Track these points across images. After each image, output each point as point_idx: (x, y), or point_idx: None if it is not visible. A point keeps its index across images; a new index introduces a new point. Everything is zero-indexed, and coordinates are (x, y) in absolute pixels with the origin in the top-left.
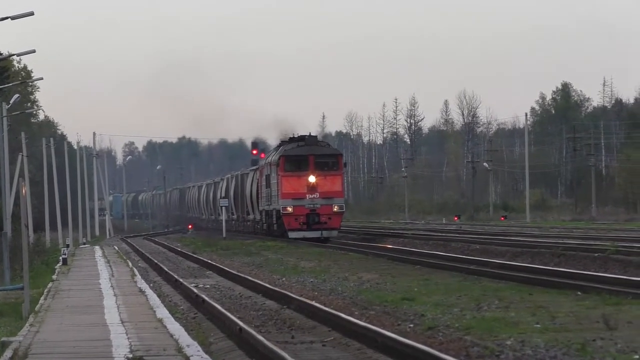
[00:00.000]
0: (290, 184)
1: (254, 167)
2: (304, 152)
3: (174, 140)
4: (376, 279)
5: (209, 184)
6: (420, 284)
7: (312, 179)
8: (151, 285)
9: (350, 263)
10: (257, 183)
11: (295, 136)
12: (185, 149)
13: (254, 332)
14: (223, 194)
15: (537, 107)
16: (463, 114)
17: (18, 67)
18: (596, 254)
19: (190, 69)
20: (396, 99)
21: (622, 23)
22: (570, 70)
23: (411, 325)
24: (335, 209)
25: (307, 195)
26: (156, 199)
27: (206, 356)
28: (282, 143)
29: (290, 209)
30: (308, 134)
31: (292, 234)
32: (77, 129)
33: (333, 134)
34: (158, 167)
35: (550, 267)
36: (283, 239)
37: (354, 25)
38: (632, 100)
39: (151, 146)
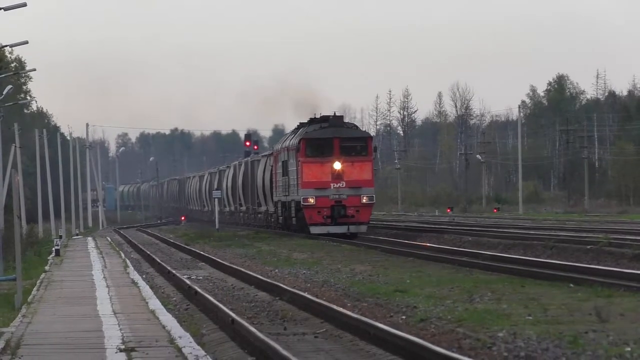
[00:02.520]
0: (313, 171)
1: (267, 153)
2: (328, 135)
3: (167, 132)
4: (369, 271)
5: (212, 173)
6: (413, 276)
7: (337, 165)
8: (144, 276)
9: (343, 255)
10: (271, 171)
11: (317, 117)
12: (178, 140)
13: (246, 324)
14: (229, 184)
15: (528, 101)
16: (456, 106)
17: (10, 57)
18: (589, 246)
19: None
20: (390, 91)
21: (616, 15)
22: (564, 62)
23: (403, 317)
24: (365, 200)
25: (332, 184)
26: (153, 190)
27: (198, 347)
28: (302, 125)
29: (312, 201)
30: (333, 114)
31: (314, 229)
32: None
33: None
34: (151, 159)
35: (542, 259)
36: (303, 235)
37: (347, 15)
38: (625, 93)
39: (144, 138)
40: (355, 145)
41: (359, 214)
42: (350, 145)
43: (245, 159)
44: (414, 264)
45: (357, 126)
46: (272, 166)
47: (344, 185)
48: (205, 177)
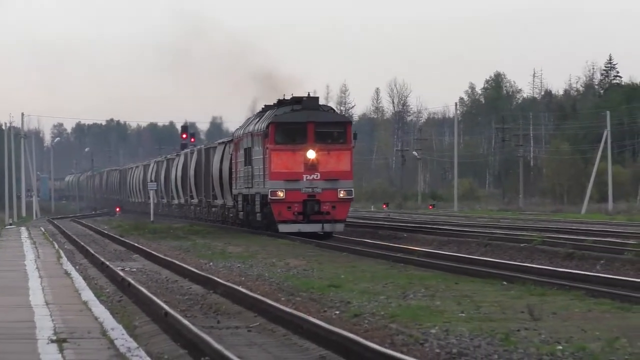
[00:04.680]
0: (283, 160)
1: (225, 140)
2: (302, 119)
3: (103, 122)
4: (303, 265)
5: (159, 162)
6: (347, 271)
7: (311, 154)
8: (77, 267)
9: (278, 249)
10: (231, 159)
11: (286, 99)
12: (114, 131)
13: (179, 317)
14: (179, 174)
15: (466, 98)
16: (393, 103)
17: None
18: (522, 244)
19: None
20: (327, 86)
21: (553, 16)
22: (501, 61)
23: (337, 312)
24: (342, 194)
25: (305, 175)
26: (90, 181)
27: (130, 339)
28: (268, 107)
29: (281, 194)
30: (307, 95)
31: (283, 227)
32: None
33: None
34: (86, 150)
35: (476, 256)
36: (269, 233)
37: (287, 7)
38: (561, 92)
39: (80, 128)
40: (332, 132)
41: (334, 210)
42: (327, 131)
43: (199, 147)
44: (348, 259)
45: (334, 109)
46: (231, 154)
47: (318, 177)
48: (151, 166)
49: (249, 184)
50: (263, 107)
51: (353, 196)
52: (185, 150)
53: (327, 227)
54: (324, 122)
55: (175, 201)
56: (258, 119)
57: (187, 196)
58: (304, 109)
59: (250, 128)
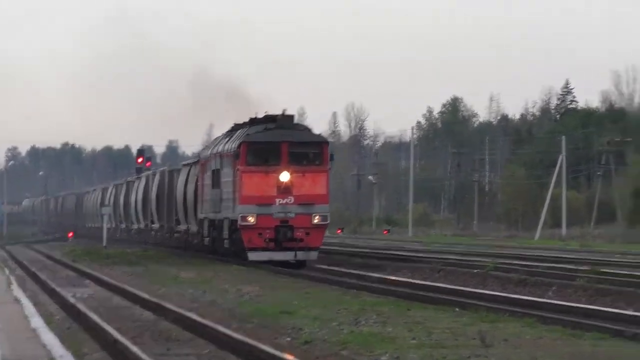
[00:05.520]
0: (254, 183)
1: (190, 161)
2: (276, 138)
3: (58, 146)
4: (256, 292)
5: (118, 185)
6: (300, 298)
7: (285, 176)
8: (27, 293)
9: (232, 275)
10: (197, 182)
11: (258, 117)
12: (69, 155)
13: (128, 344)
14: (139, 197)
15: (423, 122)
16: (350, 126)
17: None
18: (475, 270)
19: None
20: (284, 110)
21: (510, 38)
22: (459, 84)
23: (288, 339)
24: (317, 220)
25: (278, 199)
26: (44, 205)
27: None
28: (238, 126)
29: (252, 219)
30: (282, 113)
31: (253, 255)
32: None
33: None
34: (40, 173)
35: (429, 282)
36: (238, 261)
37: (243, 33)
38: (517, 116)
39: (34, 151)
40: (307, 152)
41: (308, 237)
42: (302, 151)
43: (162, 169)
44: (301, 285)
45: (309, 129)
46: (197, 176)
47: (292, 201)
48: (110, 190)
49: (216, 208)
50: (233, 125)
51: (329, 222)
52: (147, 173)
53: (301, 255)
54: (299, 142)
55: (135, 226)
56: (228, 139)
57: (147, 221)
58: (278, 127)
59: (219, 148)
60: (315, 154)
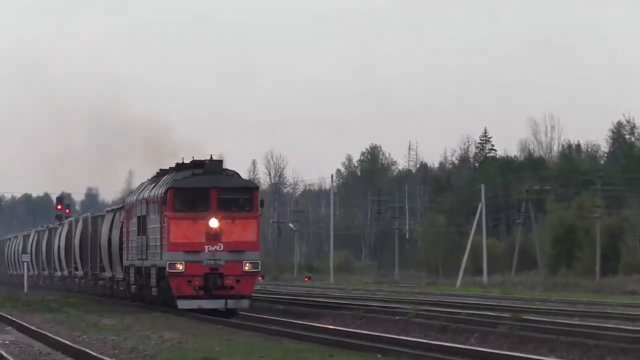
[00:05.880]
0: (182, 229)
1: (114, 207)
2: (204, 184)
3: None
4: (178, 338)
5: (40, 232)
6: (222, 344)
7: (214, 222)
8: None
9: (153, 321)
10: (122, 228)
11: (185, 162)
12: None
13: None
14: (62, 243)
15: (343, 169)
16: (270, 174)
17: None
18: (397, 317)
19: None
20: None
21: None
22: (378, 133)
23: None
24: (247, 267)
25: (207, 246)
26: None
27: None
28: (164, 172)
29: (180, 267)
30: (209, 158)
31: (182, 304)
32: None
33: None
34: None
35: (351, 328)
36: (165, 309)
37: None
38: (436, 165)
39: None
40: (237, 198)
41: (239, 284)
42: (231, 197)
43: (85, 215)
44: (223, 331)
45: (238, 174)
46: (122, 222)
47: (221, 248)
48: (32, 236)
49: (142, 255)
50: (158, 171)
51: (259, 269)
52: (70, 219)
53: (231, 304)
54: (228, 187)
55: (58, 273)
56: (154, 184)
57: (71, 268)
58: (206, 173)
59: (145, 194)
60: (245, 200)
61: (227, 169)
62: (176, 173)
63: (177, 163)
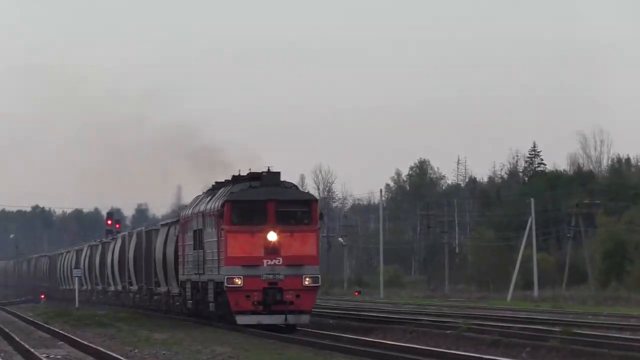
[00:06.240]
0: (240, 243)
1: (169, 221)
2: (261, 197)
3: (28, 209)
4: (229, 352)
5: (93, 246)
6: (274, 358)
7: (272, 236)
8: (1, 354)
9: (204, 336)
10: (177, 242)
11: (242, 175)
12: (39, 218)
13: None
14: (116, 258)
15: (392, 184)
16: (319, 189)
17: None
18: (448, 331)
19: None
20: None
21: (476, 102)
22: (427, 147)
23: None
24: (307, 281)
25: (265, 260)
26: (16, 267)
27: None
28: (220, 184)
29: (239, 282)
30: (267, 170)
31: (241, 319)
32: None
33: None
34: (11, 236)
35: (402, 343)
36: (222, 326)
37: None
38: (485, 179)
39: (4, 215)
40: (295, 211)
41: (299, 300)
42: (290, 210)
43: (139, 229)
44: (275, 346)
45: (297, 186)
46: (177, 236)
47: (280, 262)
48: (85, 251)
49: (199, 270)
50: (214, 183)
51: (320, 283)
52: (123, 233)
53: (291, 319)
54: (286, 200)
55: (112, 288)
56: (210, 197)
57: (125, 282)
58: (264, 185)
59: (201, 207)
60: (304, 213)
61: (284, 181)
62: (233, 185)
63: (234, 175)
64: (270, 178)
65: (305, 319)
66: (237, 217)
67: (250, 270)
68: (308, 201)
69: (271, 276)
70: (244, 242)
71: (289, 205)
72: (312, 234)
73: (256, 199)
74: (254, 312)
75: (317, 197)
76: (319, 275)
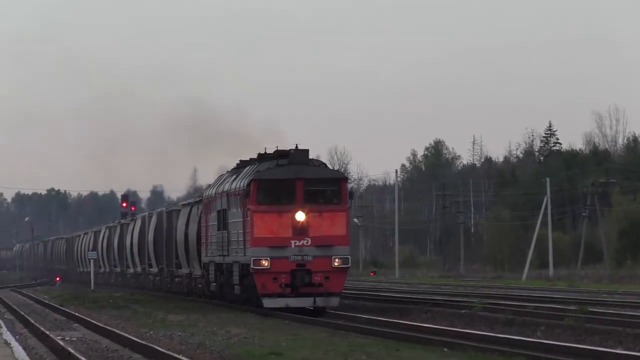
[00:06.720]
0: (267, 223)
1: (190, 201)
2: (289, 175)
3: (43, 192)
4: (244, 333)
5: (111, 227)
6: (289, 339)
7: (300, 216)
8: (17, 337)
9: (219, 317)
10: (199, 223)
11: (268, 152)
12: (54, 201)
13: None
14: (135, 240)
15: (407, 164)
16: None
17: None
18: (463, 311)
19: None
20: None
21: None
22: (442, 127)
23: None
24: (337, 263)
25: (293, 241)
26: (32, 250)
27: None
28: (244, 163)
29: (265, 263)
30: (294, 147)
31: (268, 302)
32: None
33: None
34: (26, 219)
35: (417, 322)
36: (249, 309)
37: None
38: (501, 159)
39: (20, 198)
40: (324, 190)
41: (328, 281)
42: (319, 189)
43: (159, 209)
44: (290, 327)
45: (325, 164)
46: (200, 217)
47: (309, 243)
48: (103, 232)
49: (223, 251)
50: (239, 162)
51: (349, 264)
52: (143, 214)
53: (320, 302)
54: (314, 178)
55: (131, 270)
56: (235, 176)
57: (144, 264)
58: (291, 163)
59: (226, 187)
60: (333, 192)
61: (313, 159)
62: (259, 164)
63: (259, 153)
64: (298, 156)
65: (334, 301)
66: (264, 197)
67: (277, 252)
68: (338, 179)
69: (299, 257)
70: (271, 223)
71: (318, 184)
72: (342, 213)
73: (284, 177)
74: (281, 295)
75: None
76: (349, 256)
